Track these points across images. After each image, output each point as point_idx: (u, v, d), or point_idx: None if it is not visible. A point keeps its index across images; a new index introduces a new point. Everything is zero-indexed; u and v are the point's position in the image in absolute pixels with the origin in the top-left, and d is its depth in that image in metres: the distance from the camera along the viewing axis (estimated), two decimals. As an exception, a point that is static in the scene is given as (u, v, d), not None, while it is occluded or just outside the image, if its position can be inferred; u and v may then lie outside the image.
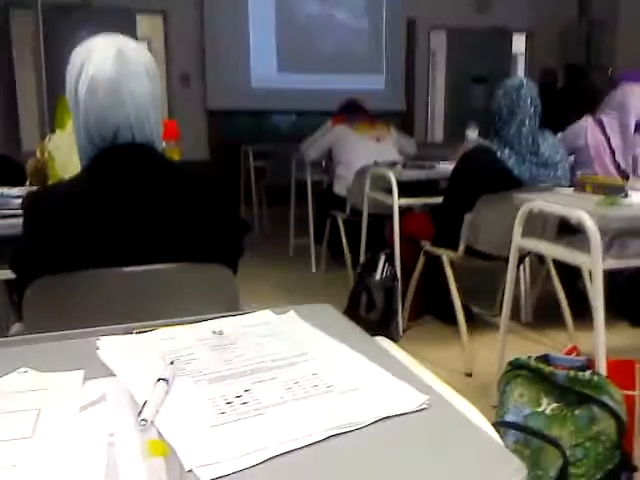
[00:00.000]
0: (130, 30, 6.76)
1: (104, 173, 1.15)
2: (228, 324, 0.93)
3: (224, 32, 7.08)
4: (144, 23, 7.19)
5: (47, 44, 5.34)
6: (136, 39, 5.80)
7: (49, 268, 1.15)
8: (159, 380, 0.70)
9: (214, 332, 0.90)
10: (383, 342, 0.88)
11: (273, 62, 7.37)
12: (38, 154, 2.67)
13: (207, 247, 1.27)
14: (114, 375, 0.76)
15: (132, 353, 0.83)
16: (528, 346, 2.81)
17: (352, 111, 4.11)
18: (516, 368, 1.73)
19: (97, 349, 0.84)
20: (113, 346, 0.86)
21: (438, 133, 8.77)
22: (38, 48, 5.06)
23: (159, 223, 1.18)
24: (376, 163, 3.44)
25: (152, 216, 1.17)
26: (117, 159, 1.15)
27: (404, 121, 7.58)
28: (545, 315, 3.12)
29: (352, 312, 2.71)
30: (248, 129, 7.36)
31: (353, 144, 3.83)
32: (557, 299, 2.80)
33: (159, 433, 0.62)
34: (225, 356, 0.81)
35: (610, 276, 1.92)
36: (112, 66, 1.11)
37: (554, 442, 1.51)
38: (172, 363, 0.78)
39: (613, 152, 2.92)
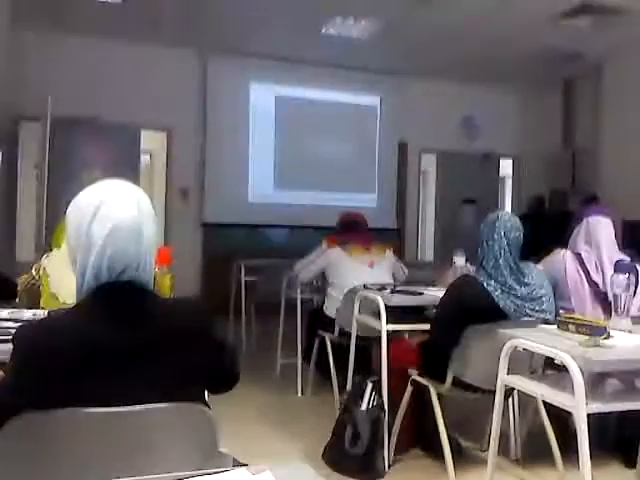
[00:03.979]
0: (134, 144, 7.07)
1: (103, 311, 1.20)
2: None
3: (225, 151, 7.41)
4: (147, 137, 7.50)
5: (53, 156, 5.55)
6: (139, 153, 6.10)
7: (32, 405, 1.15)
8: None
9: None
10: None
11: (270, 180, 7.65)
12: (33, 271, 2.70)
13: (193, 388, 1.29)
14: None
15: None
16: (517, 484, 2.72)
17: (349, 232, 4.04)
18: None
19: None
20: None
21: (429, 252, 8.94)
22: (43, 161, 5.26)
23: (149, 365, 1.21)
24: (365, 286, 3.48)
25: (143, 358, 1.20)
26: (118, 297, 1.21)
27: (396, 239, 7.75)
28: (535, 450, 3.03)
29: (336, 445, 2.64)
30: (242, 242, 7.47)
31: (346, 268, 3.81)
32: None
33: None
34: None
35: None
36: (134, 212, 1.23)
37: None
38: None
39: (594, 285, 2.97)
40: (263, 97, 7.61)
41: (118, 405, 1.17)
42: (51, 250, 2.78)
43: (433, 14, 5.84)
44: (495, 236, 2.57)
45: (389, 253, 4.02)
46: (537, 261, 3.13)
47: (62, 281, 2.54)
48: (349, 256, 3.84)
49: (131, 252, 1.22)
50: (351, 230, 4.06)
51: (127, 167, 6.82)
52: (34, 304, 2.60)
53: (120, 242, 1.21)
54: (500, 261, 2.55)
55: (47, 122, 5.37)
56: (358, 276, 3.66)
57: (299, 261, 4.16)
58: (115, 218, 1.21)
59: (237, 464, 1.45)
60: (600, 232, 3.04)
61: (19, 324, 1.90)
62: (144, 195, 1.29)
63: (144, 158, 7.83)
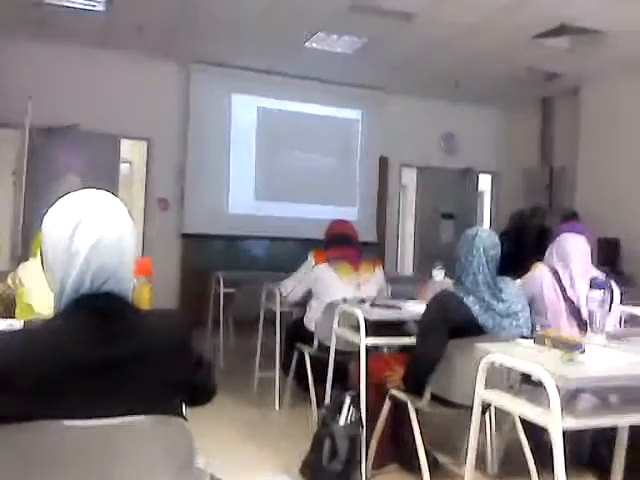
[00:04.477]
0: (113, 153, 7.03)
1: (82, 323, 1.19)
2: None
3: (205, 161, 7.39)
4: (127, 146, 7.46)
5: (31, 164, 5.49)
6: (119, 162, 6.06)
7: (9, 417, 1.13)
8: None
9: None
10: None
11: (251, 191, 7.65)
12: (9, 281, 2.67)
13: (172, 401, 1.28)
14: None
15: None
16: (493, 500, 2.73)
17: (338, 247, 3.84)
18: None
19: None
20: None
21: (408, 265, 8.99)
22: (21, 169, 5.19)
23: (128, 377, 1.20)
24: (345, 300, 3.47)
25: (122, 370, 1.19)
26: (98, 309, 1.20)
27: (376, 253, 7.78)
28: (512, 465, 3.05)
29: (314, 459, 2.63)
30: (221, 253, 7.46)
31: (332, 287, 3.67)
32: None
33: None
34: None
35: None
36: (116, 224, 1.23)
37: None
38: None
39: (570, 302, 3.01)
40: (245, 109, 7.61)
41: (96, 417, 1.16)
42: (27, 259, 2.76)
43: (415, 32, 5.91)
44: (474, 252, 2.59)
45: (378, 271, 3.87)
46: (518, 276, 3.17)
47: (36, 292, 2.52)
48: (336, 275, 3.69)
49: (114, 265, 1.22)
50: (341, 245, 3.86)
51: (106, 176, 6.76)
52: (9, 314, 2.58)
53: (104, 255, 1.21)
54: (479, 277, 2.57)
55: (26, 129, 5.32)
56: (343, 296, 3.57)
57: (285, 281, 4.00)
58: (98, 231, 1.21)
59: (214, 479, 1.44)
60: (570, 249, 3.09)
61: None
62: (123, 205, 1.29)
63: (124, 167, 7.77)
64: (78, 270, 1.20)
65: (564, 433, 1.88)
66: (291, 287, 3.95)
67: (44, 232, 1.25)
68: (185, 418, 1.32)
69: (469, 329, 2.54)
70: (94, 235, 1.20)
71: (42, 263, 1.28)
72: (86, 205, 1.24)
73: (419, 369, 2.63)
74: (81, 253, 1.20)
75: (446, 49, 6.38)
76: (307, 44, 6.47)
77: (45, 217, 1.26)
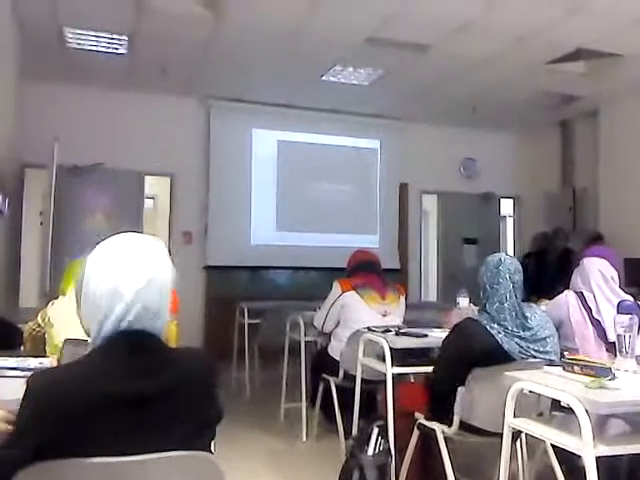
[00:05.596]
0: (138, 190, 7.16)
1: (118, 360, 1.22)
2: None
3: (227, 194, 7.48)
4: (151, 181, 7.58)
5: (58, 203, 5.61)
6: (143, 198, 6.15)
7: (45, 455, 1.15)
8: None
9: None
10: None
11: (272, 222, 7.71)
12: (39, 319, 2.72)
13: (202, 439, 1.30)
14: None
15: None
16: (528, 530, 2.67)
17: (364, 273, 3.87)
18: None
19: None
20: None
21: (432, 292, 8.93)
22: (48, 208, 5.31)
23: (161, 414, 1.22)
24: (369, 328, 3.46)
25: (156, 407, 1.22)
26: (134, 346, 1.23)
27: (398, 280, 7.74)
28: (545, 493, 2.99)
29: (343, 491, 2.61)
30: (244, 284, 7.50)
31: (359, 315, 3.69)
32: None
33: None
34: None
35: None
36: (162, 265, 1.29)
37: None
38: None
39: (597, 325, 2.98)
40: (265, 142, 7.72)
41: (128, 454, 1.18)
42: (57, 297, 2.80)
43: (430, 63, 5.98)
44: (500, 280, 2.58)
45: (402, 299, 3.90)
46: (540, 297, 3.14)
47: (65, 332, 2.55)
48: (364, 303, 3.72)
49: (156, 306, 1.27)
50: (365, 271, 3.89)
51: (131, 212, 6.92)
52: (39, 352, 2.61)
53: (149, 296, 1.25)
54: (505, 304, 2.56)
55: (53, 169, 5.44)
56: (370, 324, 3.56)
57: (317, 314, 4.01)
58: (144, 275, 1.25)
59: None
60: (593, 272, 3.08)
61: (25, 372, 1.92)
62: (164, 248, 1.34)
63: (148, 202, 7.90)
64: (121, 311, 1.23)
65: (598, 459, 1.85)
66: (322, 319, 3.95)
67: (86, 276, 1.28)
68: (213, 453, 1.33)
69: (495, 356, 2.52)
70: (140, 279, 1.25)
71: (78, 303, 1.32)
72: (130, 250, 1.29)
73: (435, 396, 2.61)
74: (125, 296, 1.24)
75: (462, 78, 6.43)
76: (324, 77, 6.57)
77: (88, 261, 1.29)
